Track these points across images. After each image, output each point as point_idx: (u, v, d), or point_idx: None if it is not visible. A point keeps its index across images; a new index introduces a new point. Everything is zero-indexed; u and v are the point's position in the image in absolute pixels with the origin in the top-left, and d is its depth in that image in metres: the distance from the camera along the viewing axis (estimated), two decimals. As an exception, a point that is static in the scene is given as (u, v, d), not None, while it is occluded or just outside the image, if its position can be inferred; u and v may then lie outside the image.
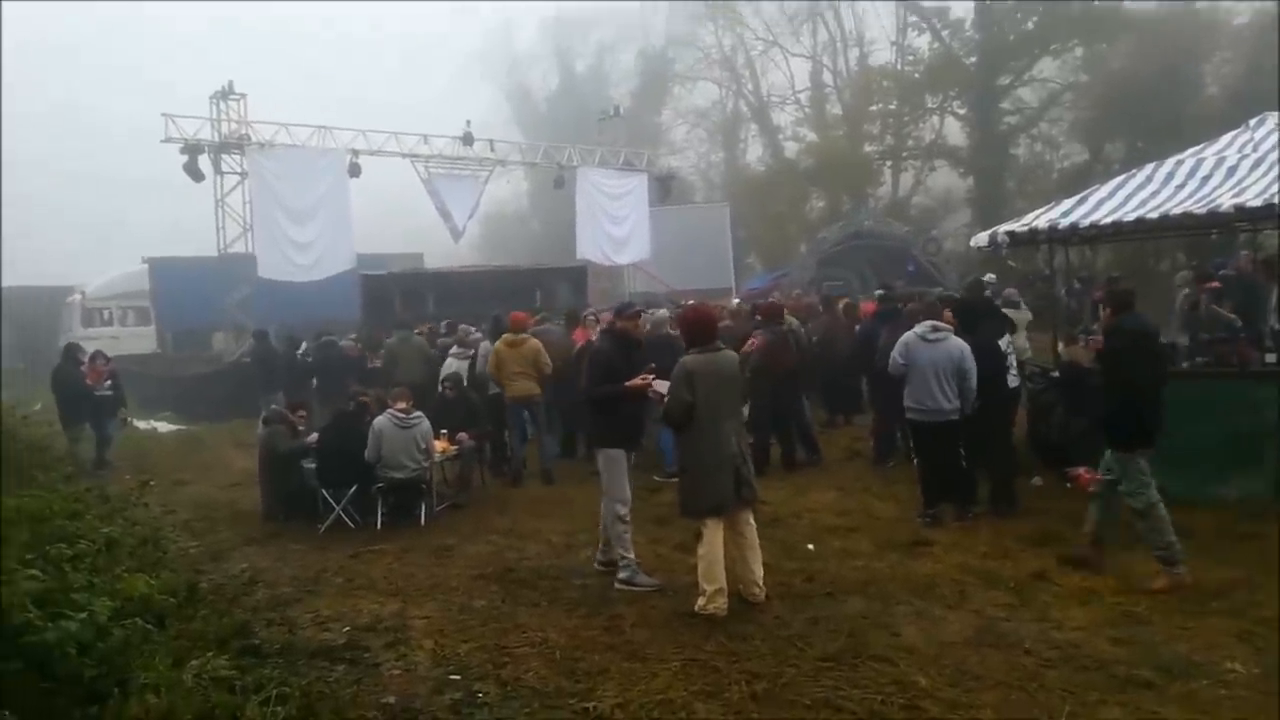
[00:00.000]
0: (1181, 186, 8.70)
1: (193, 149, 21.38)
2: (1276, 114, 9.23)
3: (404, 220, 32.96)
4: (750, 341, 7.14)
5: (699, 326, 6.34)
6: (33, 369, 21.66)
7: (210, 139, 22.08)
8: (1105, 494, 6.55)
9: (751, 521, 6.19)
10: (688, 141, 44.28)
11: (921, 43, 35.58)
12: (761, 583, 6.13)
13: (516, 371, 10.29)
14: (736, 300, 18.49)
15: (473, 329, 13.10)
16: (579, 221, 26.81)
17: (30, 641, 3.36)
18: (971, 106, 33.83)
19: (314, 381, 14.21)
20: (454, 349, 12.06)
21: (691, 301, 10.06)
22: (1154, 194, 8.81)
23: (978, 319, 8.23)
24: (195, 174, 21.56)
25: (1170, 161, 9.22)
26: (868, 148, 35.88)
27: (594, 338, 10.69)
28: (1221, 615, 5.47)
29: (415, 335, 14.01)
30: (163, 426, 17.58)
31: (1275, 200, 7.52)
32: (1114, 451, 6.38)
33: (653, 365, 6.75)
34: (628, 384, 6.60)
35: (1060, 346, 10.27)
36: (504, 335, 10.54)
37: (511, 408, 10.52)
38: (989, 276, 14.88)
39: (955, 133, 35.40)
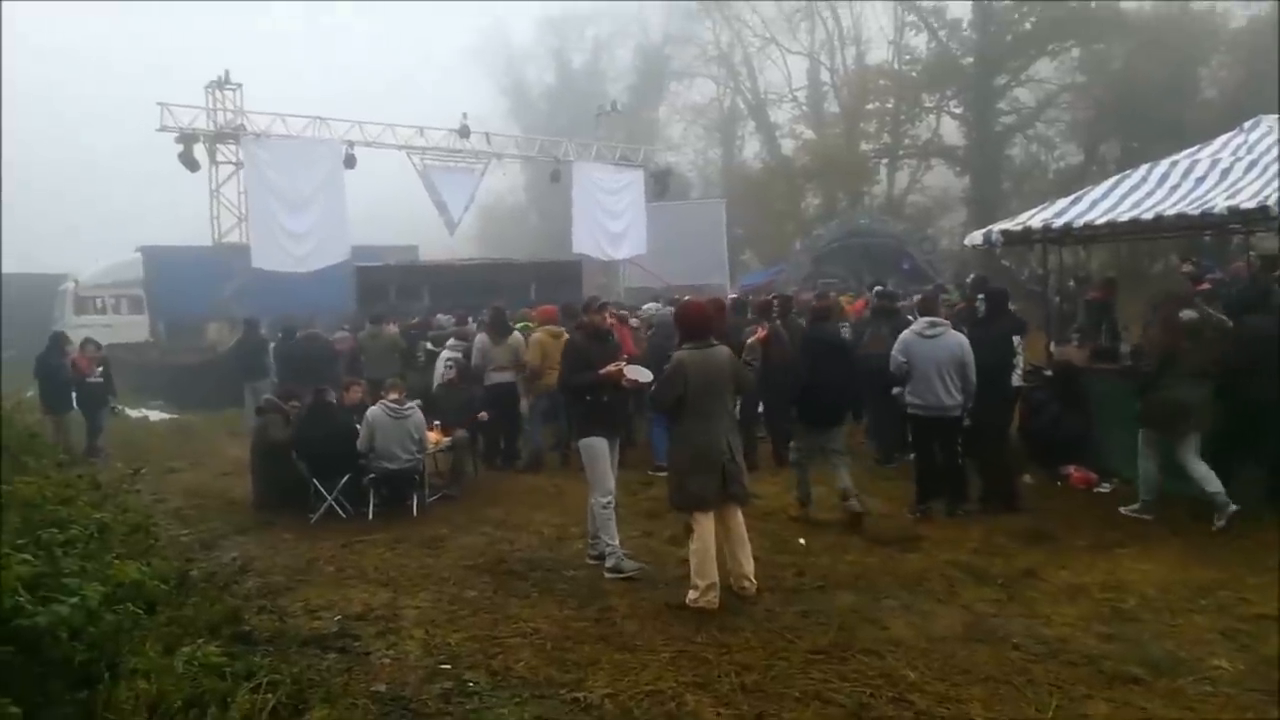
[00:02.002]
0: (1176, 188, 8.74)
1: (188, 138, 21.30)
2: (1271, 117, 9.27)
3: (399, 212, 32.92)
4: (758, 332, 7.28)
5: (694, 321, 6.37)
6: (25, 356, 21.58)
7: (205, 128, 22.02)
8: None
9: (739, 515, 6.21)
10: (684, 138, 44.45)
11: (919, 42, 35.76)
12: (752, 576, 6.14)
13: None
14: (732, 295, 18.49)
15: (446, 320, 13.21)
16: (575, 216, 26.81)
17: (22, 625, 3.35)
18: (968, 106, 33.92)
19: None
20: (449, 342, 12.05)
21: (688, 296, 10.14)
22: (1148, 195, 8.85)
23: (992, 313, 8.26)
24: (190, 163, 21.48)
25: (1165, 163, 9.26)
26: (864, 146, 35.96)
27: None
28: (1207, 613, 5.50)
29: (388, 328, 14.03)
30: (154, 415, 17.53)
31: (1269, 202, 7.56)
32: None
33: (625, 355, 6.85)
34: (601, 371, 6.69)
35: (1052, 346, 10.31)
36: (547, 328, 10.71)
37: (544, 397, 10.70)
38: (972, 276, 14.89)
39: (952, 132, 35.49)
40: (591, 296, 8.18)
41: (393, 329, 14.21)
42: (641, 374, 6.84)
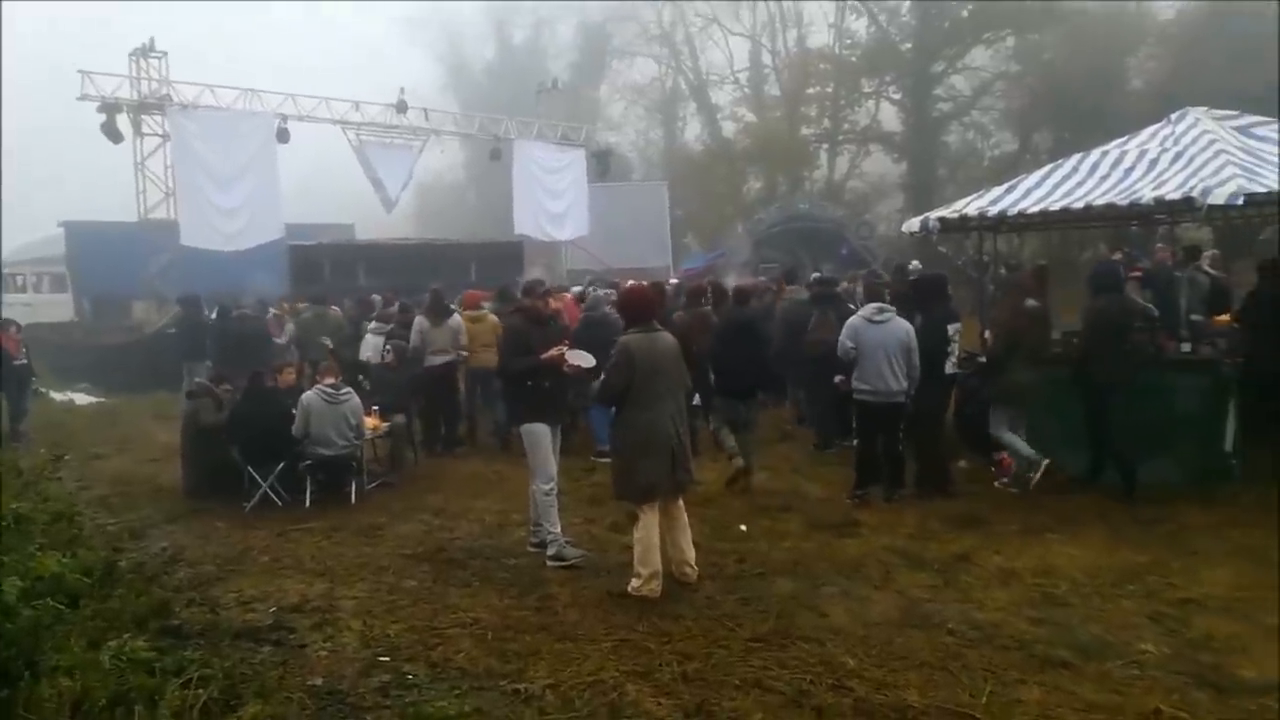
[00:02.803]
0: (1105, 178, 8.93)
1: (110, 108, 20.57)
2: (1198, 109, 9.50)
3: (334, 189, 32.22)
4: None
5: (638, 305, 6.33)
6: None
7: (129, 98, 21.26)
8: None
9: (680, 502, 6.21)
10: (625, 118, 44.13)
11: (859, 26, 35.91)
12: (693, 562, 6.17)
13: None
14: (673, 279, 18.48)
15: (379, 301, 13.06)
16: (516, 196, 26.56)
17: (-66, 625, 3.22)
18: (906, 92, 34.30)
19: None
20: (372, 324, 11.88)
21: (631, 281, 10.12)
22: (1079, 184, 9.02)
23: (930, 300, 8.36)
24: (114, 135, 20.77)
25: (1095, 153, 9.45)
26: (805, 130, 36.12)
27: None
28: (1135, 598, 5.66)
29: (332, 309, 13.76)
30: (80, 398, 16.96)
31: (1193, 193, 7.76)
32: None
33: (567, 339, 6.80)
34: (543, 356, 6.63)
35: (986, 333, 10.49)
36: (467, 312, 10.97)
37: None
38: (914, 264, 15.11)
39: (890, 118, 35.85)
40: (534, 279, 8.08)
41: (336, 310, 13.93)
42: (584, 359, 6.79)
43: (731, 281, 12.19)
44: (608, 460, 9.41)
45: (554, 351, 6.67)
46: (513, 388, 6.98)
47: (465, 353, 10.85)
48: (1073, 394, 8.13)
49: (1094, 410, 7.93)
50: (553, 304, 10.95)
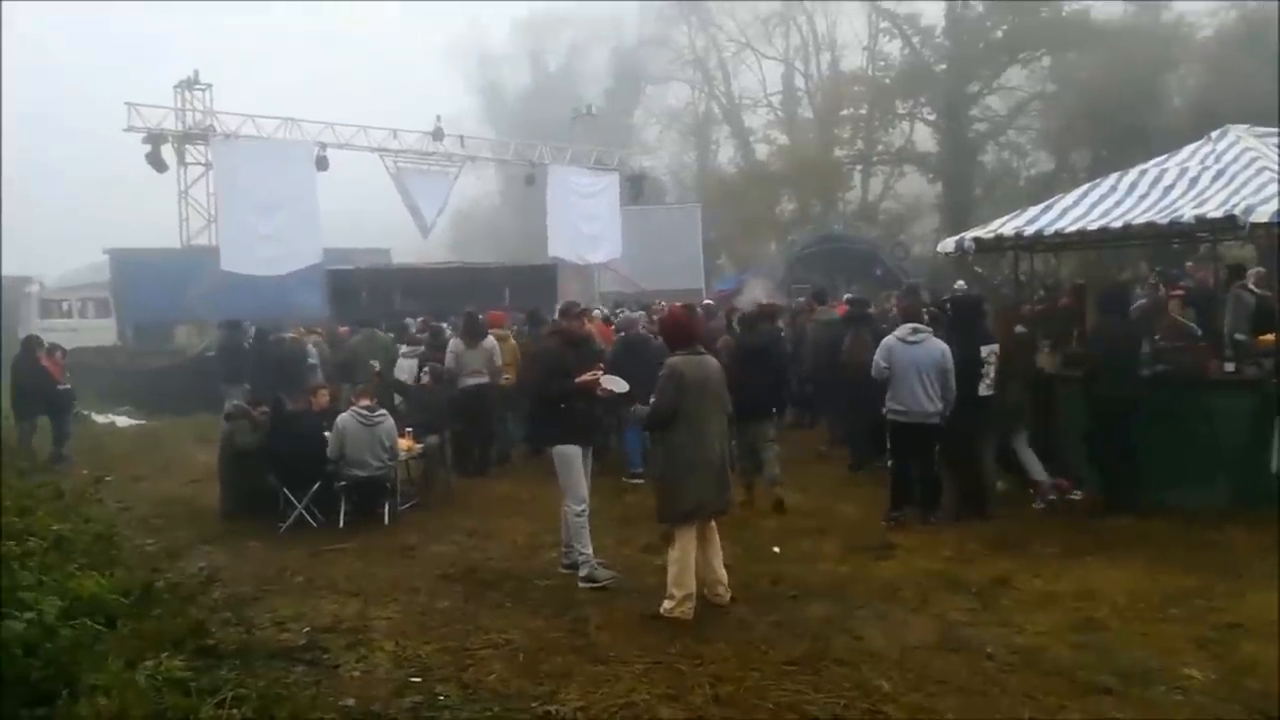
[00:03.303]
0: (1144, 196, 8.82)
1: (156, 139, 21.03)
2: (1239, 127, 9.37)
3: (372, 216, 32.65)
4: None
5: (681, 329, 6.33)
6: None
7: (174, 129, 21.75)
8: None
9: (713, 523, 6.18)
10: (659, 142, 44.35)
11: (893, 48, 35.85)
12: (726, 584, 6.12)
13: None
14: (707, 301, 18.46)
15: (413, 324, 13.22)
16: (550, 220, 26.71)
17: (-26, 642, 3.27)
18: (941, 113, 34.11)
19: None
20: (404, 348, 11.99)
21: (676, 304, 10.14)
22: (1118, 203, 8.92)
23: (964, 321, 8.29)
24: (158, 164, 21.23)
25: (1134, 171, 9.34)
26: (838, 152, 36.05)
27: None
28: (1178, 622, 5.53)
29: (379, 333, 13.93)
30: (122, 421, 17.25)
31: (1235, 211, 7.64)
32: None
33: (602, 362, 6.80)
34: (579, 379, 6.62)
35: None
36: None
37: None
38: (959, 284, 14.98)
39: (925, 139, 35.68)
40: (570, 301, 8.10)
41: (385, 334, 14.13)
42: (617, 384, 6.79)
43: (749, 304, 12.18)
44: (639, 482, 9.48)
45: (589, 376, 6.67)
46: (545, 409, 6.95)
47: (508, 375, 10.94)
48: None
49: (1105, 428, 7.99)
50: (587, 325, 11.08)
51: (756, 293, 16.56)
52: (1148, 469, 7.97)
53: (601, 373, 6.79)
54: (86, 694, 3.90)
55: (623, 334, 10.46)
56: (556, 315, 7.80)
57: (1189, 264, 12.93)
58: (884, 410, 7.98)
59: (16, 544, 4.37)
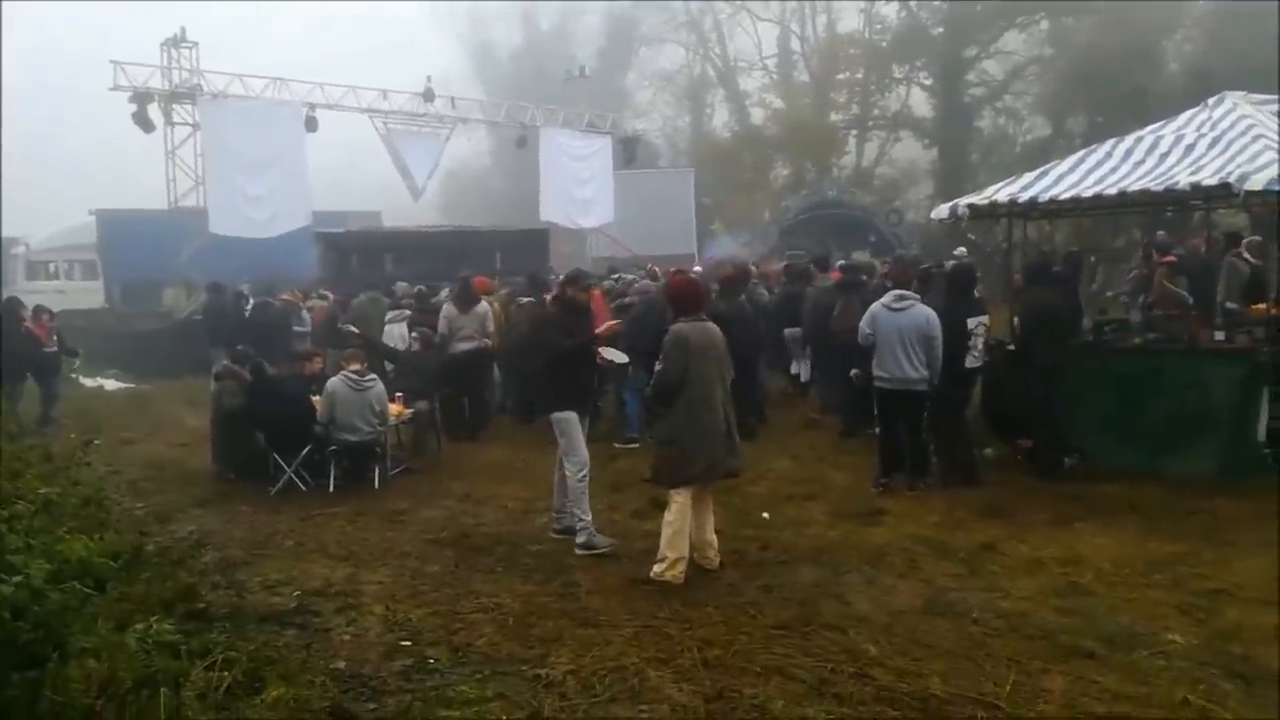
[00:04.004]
0: (1140, 163, 8.77)
1: (142, 98, 20.70)
2: (1236, 94, 9.31)
3: (362, 177, 32.38)
4: None
5: (689, 295, 6.31)
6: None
7: (160, 88, 21.42)
8: None
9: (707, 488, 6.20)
10: (653, 104, 43.84)
11: (890, 11, 35.48)
12: (716, 547, 6.15)
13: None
14: (698, 267, 18.38)
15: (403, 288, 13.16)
16: (543, 183, 26.49)
17: (-37, 606, 3.25)
18: (937, 78, 33.85)
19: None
20: (390, 312, 11.93)
21: (675, 270, 10.08)
22: (1113, 170, 8.87)
23: (953, 292, 8.27)
24: (145, 124, 20.92)
25: (1130, 138, 9.28)
26: (834, 116, 35.79)
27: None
28: (1163, 588, 5.59)
29: (383, 297, 13.86)
30: (110, 384, 17.16)
31: (1231, 179, 7.60)
32: None
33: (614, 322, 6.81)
34: (598, 329, 6.62)
35: (1014, 320, 10.36)
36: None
37: None
38: (959, 251, 14.94)
39: (921, 103, 35.42)
40: (579, 270, 7.88)
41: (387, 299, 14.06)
42: (618, 356, 6.77)
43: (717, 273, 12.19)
44: (634, 447, 9.50)
45: (611, 324, 6.66)
46: (546, 375, 6.88)
47: (487, 340, 10.92)
48: (1102, 383, 8.04)
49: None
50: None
51: (727, 260, 16.54)
52: (1137, 436, 8.02)
53: (617, 330, 6.76)
54: (76, 656, 3.89)
55: (644, 296, 10.40)
56: (562, 282, 7.57)
57: (1193, 241, 12.85)
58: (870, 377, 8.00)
59: (4, 508, 4.34)
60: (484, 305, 11.18)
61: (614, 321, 6.79)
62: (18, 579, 3.48)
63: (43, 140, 48.09)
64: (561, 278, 8.20)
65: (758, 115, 39.37)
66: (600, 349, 6.76)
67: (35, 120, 47.43)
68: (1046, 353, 8.19)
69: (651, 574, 5.92)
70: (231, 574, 6.32)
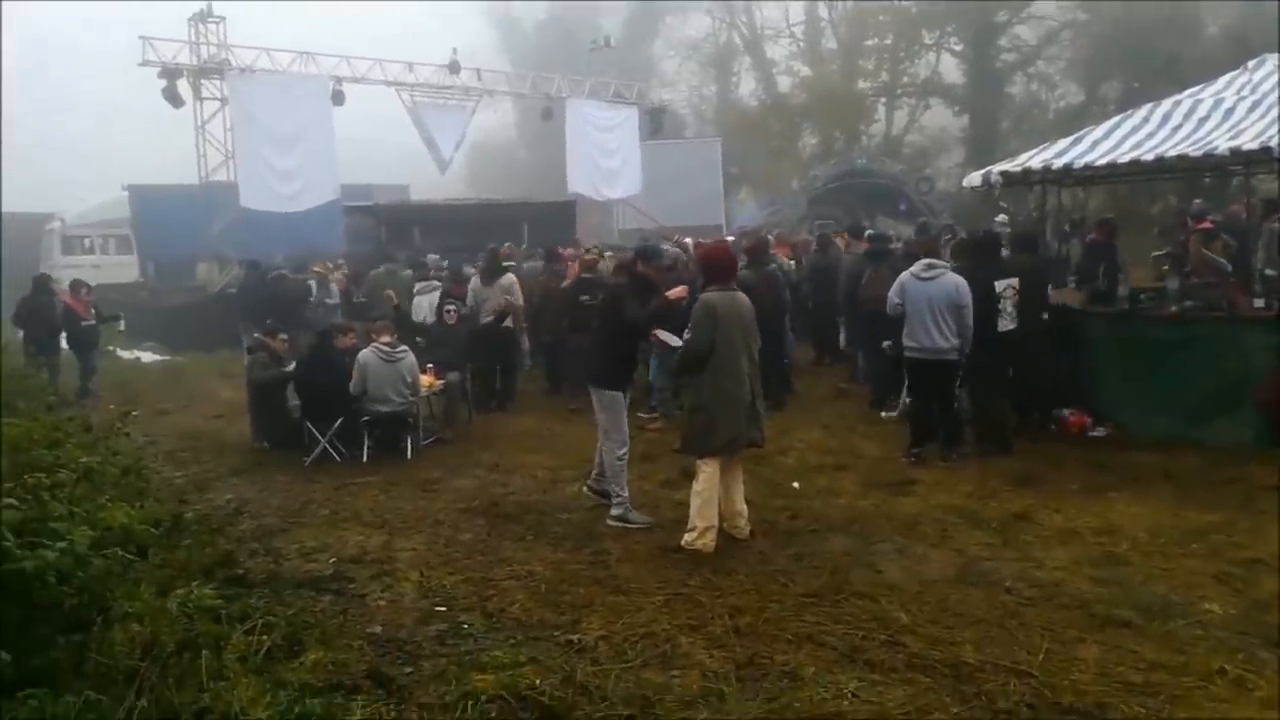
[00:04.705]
0: (1178, 128, 8.62)
1: (171, 73, 20.81)
2: (1275, 56, 9.09)
3: (389, 151, 32.40)
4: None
5: (721, 263, 6.26)
6: (15, 297, 21.38)
7: (189, 63, 21.52)
8: None
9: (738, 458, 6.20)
10: (679, 74, 43.47)
11: (920, -26, 34.88)
12: (746, 516, 6.16)
13: None
14: (729, 236, 18.26)
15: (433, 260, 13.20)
16: (569, 154, 26.39)
17: (9, 570, 3.33)
18: (968, 43, 33.31)
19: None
20: (419, 285, 11.98)
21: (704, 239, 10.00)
22: (1150, 135, 8.72)
23: (978, 258, 8.17)
24: (174, 99, 21.05)
25: (1167, 102, 9.11)
26: (862, 84, 35.35)
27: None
28: (1200, 557, 5.53)
29: (401, 269, 13.93)
30: (146, 356, 17.44)
31: (1272, 144, 7.44)
32: None
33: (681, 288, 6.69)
34: (669, 294, 6.50)
35: (1049, 289, 10.22)
36: None
37: None
38: (1000, 218, 14.75)
39: (951, 70, 34.92)
40: (652, 245, 7.68)
41: (407, 272, 14.13)
42: (671, 339, 6.70)
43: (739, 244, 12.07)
44: (655, 419, 9.53)
45: (679, 290, 6.56)
46: (603, 350, 6.72)
47: (510, 311, 10.98)
48: (1138, 352, 7.93)
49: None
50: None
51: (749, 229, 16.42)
52: (1173, 405, 7.93)
53: (685, 296, 6.60)
54: (120, 620, 3.98)
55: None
56: (633, 256, 7.31)
57: (1234, 208, 12.56)
58: (901, 347, 7.95)
59: (47, 475, 4.43)
60: (508, 277, 11.25)
61: (681, 288, 6.60)
62: (62, 545, 3.57)
63: (75, 117, 48.61)
64: (633, 253, 7.97)
65: (785, 83, 38.97)
66: (656, 330, 6.70)
67: (67, 99, 47.95)
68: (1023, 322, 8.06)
69: (682, 543, 5.94)
70: (269, 541, 6.42)
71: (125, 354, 17.06)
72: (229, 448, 9.52)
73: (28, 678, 3.23)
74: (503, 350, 11.13)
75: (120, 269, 23.59)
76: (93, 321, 13.06)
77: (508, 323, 10.95)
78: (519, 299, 11.13)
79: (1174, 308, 8.65)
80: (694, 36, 42.37)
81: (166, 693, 3.64)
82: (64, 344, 12.83)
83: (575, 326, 10.31)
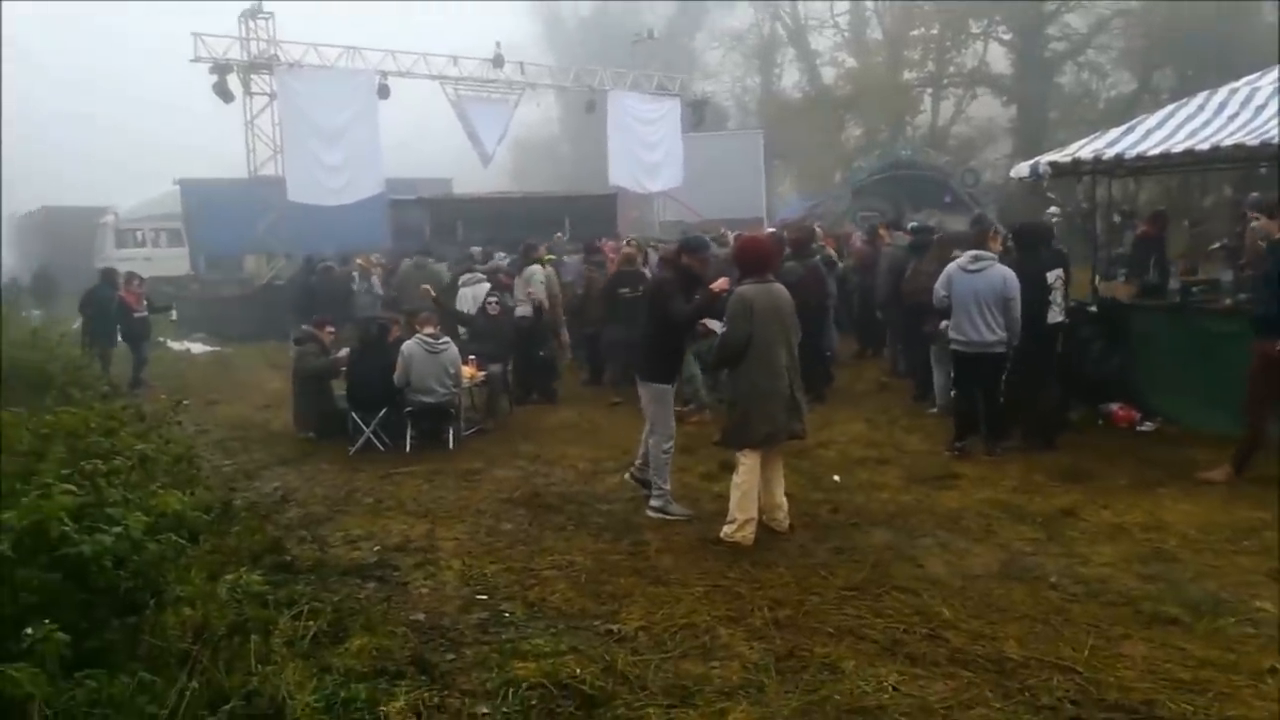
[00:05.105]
0: (1234, 117, 8.39)
1: (222, 69, 21.21)
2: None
3: (433, 144, 32.68)
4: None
5: (758, 256, 6.24)
6: (71, 288, 21.93)
7: (239, 59, 21.88)
8: None
9: (778, 450, 6.18)
10: (722, 66, 43.24)
11: (967, -37, 34.32)
12: (786, 509, 6.15)
13: None
14: (770, 229, 18.15)
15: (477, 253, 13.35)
16: (611, 147, 26.41)
17: (67, 554, 3.42)
18: (1016, 32, 32.72)
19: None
20: (463, 276, 12.07)
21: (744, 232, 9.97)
22: (1205, 124, 8.51)
23: (1028, 248, 8.05)
24: (225, 94, 21.44)
25: (1223, 91, 8.89)
26: (907, 74, 34.89)
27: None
28: (1253, 554, 5.41)
29: (433, 262, 14.08)
30: (196, 348, 17.81)
31: (1332, 132, 7.24)
32: None
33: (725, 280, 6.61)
34: (712, 286, 6.39)
35: (1097, 281, 10.05)
36: None
37: None
38: (1051, 210, 14.54)
39: (999, 59, 34.32)
40: (697, 237, 7.61)
41: (437, 264, 14.28)
42: (719, 326, 6.67)
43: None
44: (691, 412, 9.52)
45: (722, 281, 6.41)
46: (653, 343, 6.68)
47: (534, 302, 11.04)
48: (1190, 345, 7.77)
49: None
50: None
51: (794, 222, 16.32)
52: (1225, 399, 7.74)
53: (727, 288, 6.42)
54: (172, 604, 4.07)
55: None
56: (679, 249, 7.21)
57: (1254, 194, 12.23)
58: (945, 337, 7.87)
59: (103, 462, 4.54)
60: (533, 269, 11.28)
61: (724, 279, 6.52)
62: (118, 530, 3.65)
63: (128, 114, 49.67)
64: (676, 245, 7.94)
65: (829, 74, 38.58)
66: (704, 320, 6.69)
67: (118, 91, 48.98)
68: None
69: (721, 535, 5.95)
70: (315, 529, 6.54)
71: (176, 345, 17.42)
72: (276, 437, 9.70)
73: (85, 659, 3.31)
74: (536, 343, 11.17)
75: (172, 262, 24.11)
76: (145, 313, 13.35)
77: (523, 311, 10.97)
78: (541, 293, 11.13)
79: (1228, 300, 8.46)
80: (737, 28, 42.13)
81: (217, 675, 3.72)
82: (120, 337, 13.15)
83: (614, 319, 10.35)
